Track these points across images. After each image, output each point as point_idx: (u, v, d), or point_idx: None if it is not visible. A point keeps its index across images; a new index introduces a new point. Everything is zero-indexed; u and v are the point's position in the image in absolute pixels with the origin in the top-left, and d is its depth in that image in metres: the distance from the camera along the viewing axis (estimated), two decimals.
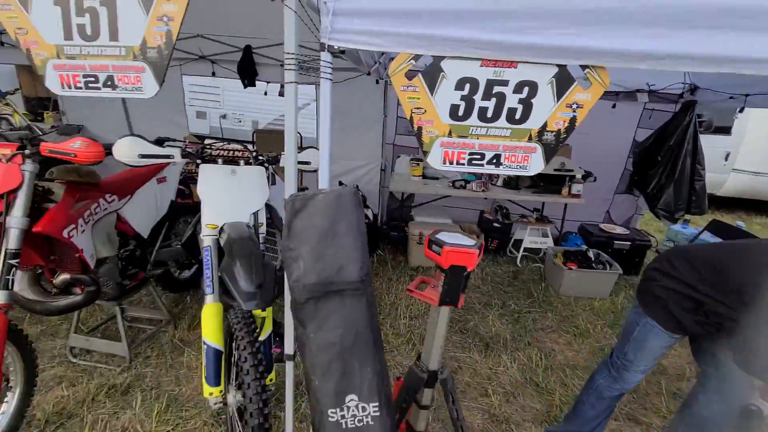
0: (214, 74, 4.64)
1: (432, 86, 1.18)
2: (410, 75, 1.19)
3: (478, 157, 1.24)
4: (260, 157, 1.91)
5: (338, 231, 1.10)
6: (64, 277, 1.98)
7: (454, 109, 1.20)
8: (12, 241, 1.64)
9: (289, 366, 1.33)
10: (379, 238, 4.41)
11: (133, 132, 5.10)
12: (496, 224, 4.37)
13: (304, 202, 1.12)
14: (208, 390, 1.63)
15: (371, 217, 4.39)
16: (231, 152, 1.85)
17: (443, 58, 1.15)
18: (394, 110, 4.63)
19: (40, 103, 10.33)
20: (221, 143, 1.90)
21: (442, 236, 1.39)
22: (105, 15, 1.11)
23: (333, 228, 1.10)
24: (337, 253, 1.10)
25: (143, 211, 2.48)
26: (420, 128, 1.23)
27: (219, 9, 3.35)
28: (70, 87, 1.19)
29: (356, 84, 4.48)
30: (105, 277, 2.17)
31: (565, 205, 4.17)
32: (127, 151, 1.60)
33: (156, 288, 2.73)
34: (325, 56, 1.20)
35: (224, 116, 7.19)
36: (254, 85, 4.47)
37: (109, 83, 1.18)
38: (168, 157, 1.67)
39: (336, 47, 1.18)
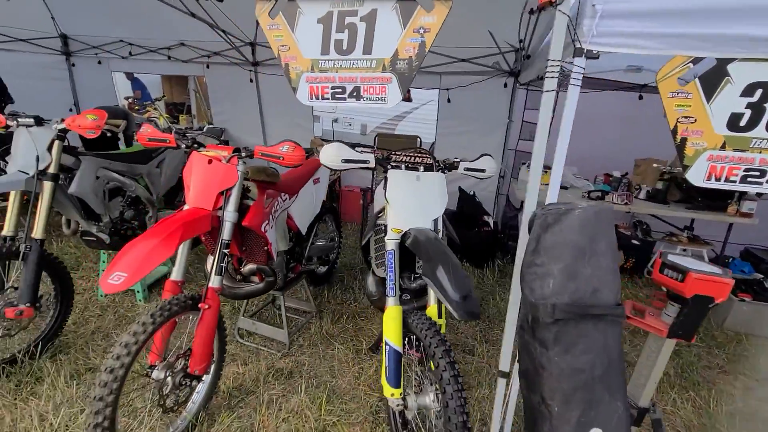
0: None
1: (710, 92, 1.05)
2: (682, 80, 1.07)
3: (758, 174, 1.06)
4: (439, 164, 1.91)
5: (597, 250, 1.02)
6: (251, 266, 2.20)
7: (734, 118, 1.04)
8: (226, 232, 1.84)
9: (502, 383, 1.28)
10: (497, 247, 4.24)
11: (265, 132, 5.61)
12: (634, 241, 3.94)
13: (558, 216, 1.06)
14: (389, 390, 1.66)
15: (492, 225, 4.24)
16: (413, 158, 1.88)
17: (731, 60, 1.01)
18: (519, 115, 4.43)
19: (176, 108, 11.87)
20: (407, 150, 1.94)
21: (680, 260, 1.23)
22: (363, 30, 1.17)
23: (591, 246, 1.02)
24: (593, 274, 1.02)
25: (304, 209, 2.66)
26: (685, 139, 1.09)
27: None
28: (318, 98, 1.28)
29: (482, 88, 4.38)
30: (278, 269, 2.36)
31: (730, 225, 3.59)
32: (333, 155, 1.70)
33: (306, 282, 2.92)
34: (580, 62, 1.12)
35: (336, 120, 7.60)
36: None
37: (354, 94, 1.25)
38: (365, 162, 1.74)
39: (595, 51, 1.10)
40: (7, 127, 2.29)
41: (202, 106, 11.74)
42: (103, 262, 3.01)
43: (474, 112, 4.49)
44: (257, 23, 4.75)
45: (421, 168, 1.87)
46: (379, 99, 1.25)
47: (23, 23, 5.26)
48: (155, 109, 7.65)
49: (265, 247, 2.12)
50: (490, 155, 1.96)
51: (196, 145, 1.97)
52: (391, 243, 1.77)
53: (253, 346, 2.56)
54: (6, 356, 2.21)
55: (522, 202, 4.59)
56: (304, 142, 5.31)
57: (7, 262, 2.21)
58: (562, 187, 4.14)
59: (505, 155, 4.61)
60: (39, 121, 2.26)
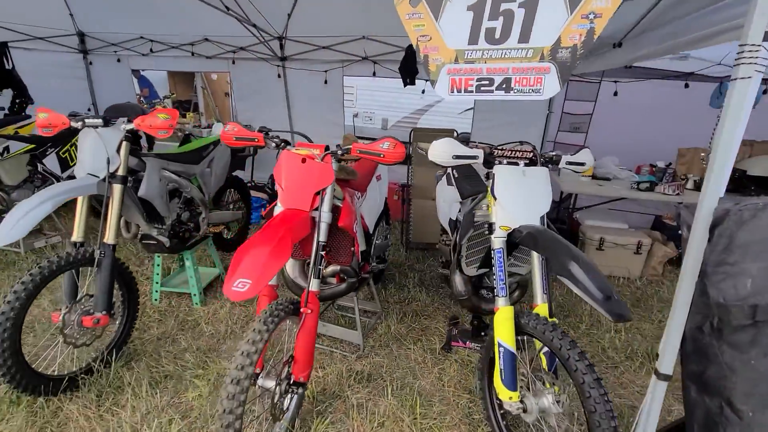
0: (374, 74, 4.77)
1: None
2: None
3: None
4: (541, 158, 1.85)
5: None
6: (334, 267, 2.13)
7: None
8: (323, 234, 1.78)
9: (661, 387, 1.23)
10: None
11: (293, 129, 5.51)
12: (680, 232, 3.89)
13: (755, 212, 1.00)
14: (507, 394, 1.61)
15: None
16: (514, 153, 1.81)
17: None
18: (560, 106, 4.37)
19: (181, 105, 11.72)
20: (510, 144, 1.87)
21: None
22: (521, 16, 1.10)
23: None
24: None
25: (371, 207, 2.59)
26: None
27: (383, 10, 3.40)
28: (459, 91, 1.21)
29: None
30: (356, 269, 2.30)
31: None
32: (444, 151, 1.63)
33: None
34: None
35: (356, 115, 7.50)
36: (414, 84, 4.50)
37: (503, 86, 1.18)
38: (475, 158, 1.67)
39: None
40: (70, 128, 2.20)
41: (210, 103, 11.59)
42: (158, 265, 2.93)
43: (513, 104, 4.41)
44: (288, 16, 4.64)
45: (522, 162, 1.80)
46: (532, 91, 1.18)
47: (41, 21, 5.11)
48: (164, 107, 7.51)
49: (352, 248, 2.06)
50: (588, 148, 1.90)
51: (283, 144, 1.89)
52: (499, 241, 1.71)
53: (326, 349, 2.50)
54: (82, 366, 2.14)
55: (562, 194, 4.54)
56: (335, 138, 5.22)
57: (79, 269, 2.14)
58: (604, 179, 4.09)
59: (543, 147, 4.55)
60: (106, 122, 2.17)
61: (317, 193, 1.76)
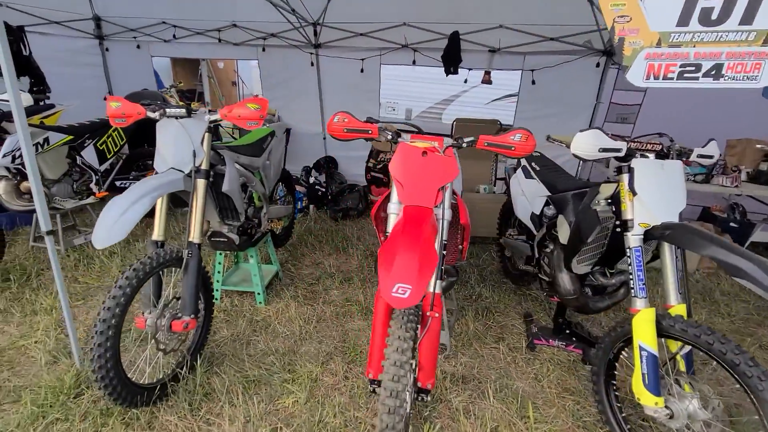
0: (414, 63, 4.62)
1: None
2: None
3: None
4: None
5: None
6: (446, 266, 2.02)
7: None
8: (446, 232, 1.67)
9: None
10: None
11: (324, 120, 5.33)
12: (733, 224, 3.87)
13: None
14: (651, 399, 1.54)
15: None
16: (643, 144, 1.71)
17: None
18: (608, 96, 4.28)
19: (184, 95, 11.41)
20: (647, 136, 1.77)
21: None
22: None
23: None
24: None
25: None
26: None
27: None
28: (657, 78, 1.11)
29: (570, 68, 4.20)
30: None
31: None
32: (589, 144, 1.53)
33: None
34: None
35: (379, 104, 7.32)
36: (457, 73, 4.37)
37: (712, 72, 1.08)
38: (618, 151, 1.57)
39: None
40: (146, 118, 2.05)
41: (216, 92, 11.28)
42: (219, 263, 2.80)
43: (559, 94, 4.32)
44: (328, 0, 4.44)
45: (652, 155, 1.71)
46: (747, 78, 1.08)
47: (57, 3, 4.82)
48: (171, 96, 7.29)
49: (461, 246, 1.96)
50: (714, 140, 1.81)
51: (396, 136, 1.77)
52: (637, 239, 1.62)
53: None
54: (168, 372, 2.02)
55: None
56: None
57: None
58: None
59: None
60: (189, 112, 2.01)
61: (440, 189, 1.65)
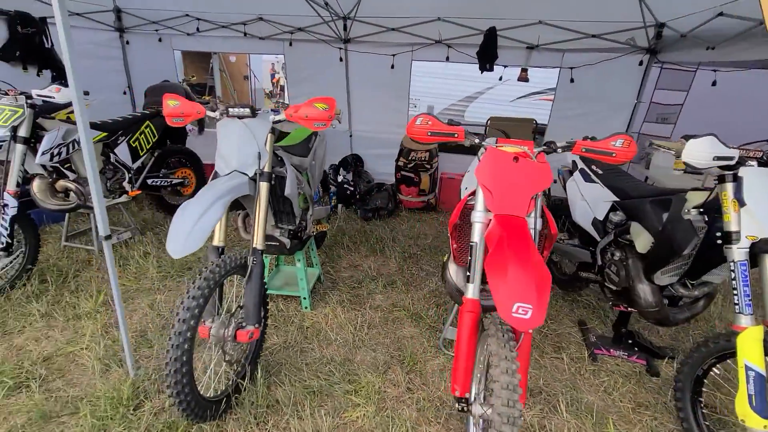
0: (447, 59, 4.50)
1: None
2: None
3: None
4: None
5: None
6: None
7: None
8: (476, 234, 1.59)
9: None
10: None
11: (351, 117, 5.22)
12: None
13: None
14: (760, 422, 1.46)
15: None
16: (748, 152, 1.62)
17: None
18: (648, 95, 4.17)
19: (194, 89, 11.27)
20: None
21: None
22: None
23: None
24: None
25: None
26: None
27: None
28: None
29: (612, 66, 4.08)
30: None
31: None
32: (702, 152, 1.44)
33: None
34: None
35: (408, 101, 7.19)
36: (492, 70, 4.26)
37: None
38: (730, 159, 1.48)
39: None
40: (206, 117, 1.95)
41: (228, 87, 11.14)
42: (265, 267, 2.70)
43: (597, 93, 4.20)
44: None
45: (754, 163, 1.61)
46: None
47: None
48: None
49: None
50: None
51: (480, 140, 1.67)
52: (743, 253, 1.53)
53: None
54: (229, 383, 1.94)
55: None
56: (397, 128, 4.96)
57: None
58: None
59: None
60: (253, 112, 1.91)
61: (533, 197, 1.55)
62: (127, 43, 5.48)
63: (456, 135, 1.63)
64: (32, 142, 2.70)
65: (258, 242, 1.88)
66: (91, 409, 1.83)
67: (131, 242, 3.50)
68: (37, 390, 1.93)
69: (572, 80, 4.22)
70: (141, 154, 3.48)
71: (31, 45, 4.37)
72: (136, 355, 2.19)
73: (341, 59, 4.80)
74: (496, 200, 1.56)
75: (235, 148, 1.88)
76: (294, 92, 5.27)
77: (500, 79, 4.46)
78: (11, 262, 2.63)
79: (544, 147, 1.60)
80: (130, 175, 3.39)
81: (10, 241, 2.56)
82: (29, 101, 2.65)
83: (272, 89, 12.54)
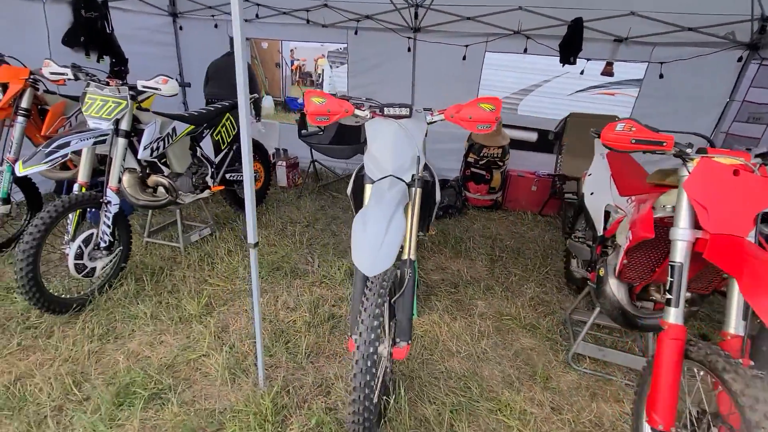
0: (525, 51, 4.29)
1: None
2: None
3: None
4: None
5: None
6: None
7: None
8: (679, 253, 1.45)
9: None
10: None
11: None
12: None
13: None
14: None
15: None
16: None
17: None
18: (742, 93, 3.95)
19: None
20: None
21: None
22: None
23: None
24: None
25: None
26: None
27: None
28: None
29: (706, 62, 3.86)
30: None
31: None
32: None
33: None
34: None
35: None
36: (575, 63, 4.05)
37: None
38: None
39: None
40: (354, 116, 1.80)
41: (260, 73, 10.92)
42: None
43: (687, 89, 3.98)
44: None
45: None
46: None
47: None
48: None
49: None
50: None
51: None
52: None
53: (601, 376, 2.21)
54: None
55: None
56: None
57: None
58: None
59: (714, 139, 4.16)
60: (410, 111, 1.76)
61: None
62: (180, 28, 5.32)
63: (665, 143, 1.47)
64: (132, 135, 2.58)
65: (411, 252, 1.75)
66: (239, 426, 1.73)
67: (210, 238, 3.39)
68: (175, 402, 1.83)
69: (661, 76, 4.00)
70: (222, 148, 3.35)
71: (93, 30, 4.22)
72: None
73: (409, 49, 4.60)
74: (712, 218, 1.41)
75: (391, 151, 1.74)
76: (354, 82, 5.09)
77: (581, 72, 4.23)
78: (111, 261, 2.53)
79: (761, 159, 1.44)
80: (212, 169, 3.27)
81: (112, 239, 2.46)
82: (131, 92, 2.52)
83: (292, 76, 12.28)
